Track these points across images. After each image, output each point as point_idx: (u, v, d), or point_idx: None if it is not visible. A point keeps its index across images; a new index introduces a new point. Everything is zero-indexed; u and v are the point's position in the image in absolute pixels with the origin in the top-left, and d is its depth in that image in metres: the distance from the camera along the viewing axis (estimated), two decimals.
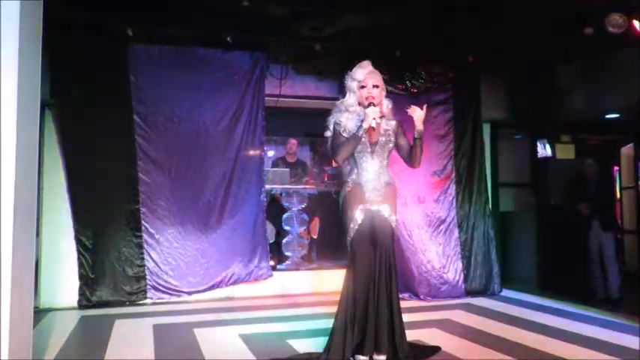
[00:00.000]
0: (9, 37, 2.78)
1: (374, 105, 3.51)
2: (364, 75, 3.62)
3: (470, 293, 6.14)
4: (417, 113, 3.54)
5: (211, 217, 5.86)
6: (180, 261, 5.73)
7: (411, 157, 3.67)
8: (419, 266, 6.00)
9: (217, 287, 5.85)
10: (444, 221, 6.27)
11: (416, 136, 3.57)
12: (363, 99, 3.60)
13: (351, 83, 3.67)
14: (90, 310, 5.30)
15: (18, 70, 2.80)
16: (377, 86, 3.61)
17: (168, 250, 5.70)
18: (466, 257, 6.25)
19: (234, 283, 5.91)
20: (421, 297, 5.94)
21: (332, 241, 7.54)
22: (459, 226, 6.31)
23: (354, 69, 3.68)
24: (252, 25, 5.63)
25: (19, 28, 2.81)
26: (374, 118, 3.45)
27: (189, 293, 5.72)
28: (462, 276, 6.17)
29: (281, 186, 6.68)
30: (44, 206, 5.48)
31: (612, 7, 4.96)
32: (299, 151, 8.41)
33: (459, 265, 6.19)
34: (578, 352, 3.91)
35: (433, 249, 6.14)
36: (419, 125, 3.54)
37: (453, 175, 6.40)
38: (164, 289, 5.65)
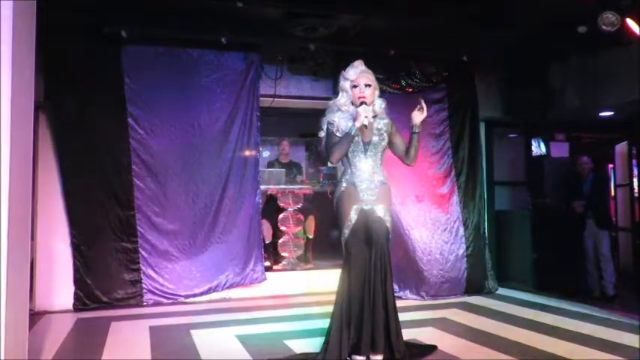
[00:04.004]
0: (3, 39, 2.77)
1: (366, 104, 3.53)
2: (356, 74, 3.64)
3: (468, 291, 6.13)
4: (419, 116, 3.63)
5: (207, 221, 5.82)
6: (176, 265, 5.70)
7: (407, 154, 3.71)
8: (419, 265, 5.97)
9: (214, 291, 5.82)
10: (445, 219, 6.23)
11: (415, 130, 3.62)
12: (355, 98, 3.62)
13: (344, 83, 3.70)
14: (86, 313, 5.28)
15: (12, 73, 2.79)
16: (369, 85, 3.63)
17: (164, 254, 5.66)
18: (466, 255, 6.23)
19: (230, 287, 5.88)
20: (422, 295, 5.93)
21: (328, 241, 7.54)
22: (464, 224, 6.29)
23: (347, 69, 3.71)
24: (247, 26, 5.62)
25: (12, 29, 2.80)
26: (366, 117, 3.46)
27: (186, 297, 5.70)
28: (465, 274, 6.15)
29: (276, 186, 6.67)
30: (39, 209, 5.45)
31: (605, 6, 4.98)
32: (294, 151, 8.41)
33: (462, 264, 6.17)
34: (574, 349, 3.92)
35: (434, 247, 6.09)
36: (417, 120, 3.61)
37: (453, 174, 6.39)
38: (160, 293, 5.62)
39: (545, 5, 5.21)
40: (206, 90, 5.87)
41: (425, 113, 3.63)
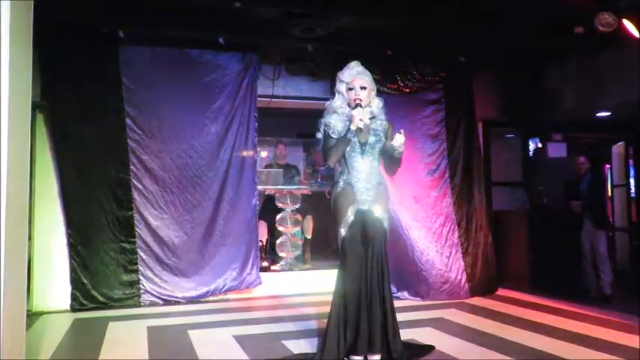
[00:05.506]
0: (0, 39, 2.76)
1: (360, 106, 3.53)
2: (352, 77, 3.64)
3: (474, 293, 6.05)
4: (399, 140, 3.52)
5: (205, 222, 5.79)
6: (174, 267, 5.68)
7: (387, 166, 3.75)
8: (417, 265, 5.94)
9: (211, 295, 5.79)
10: (441, 220, 6.20)
11: (396, 156, 3.59)
12: (350, 100, 3.63)
13: (339, 85, 3.71)
14: (83, 313, 5.26)
15: (9, 72, 2.78)
16: (364, 88, 3.62)
17: (162, 256, 5.65)
18: (468, 256, 6.18)
19: (228, 291, 5.85)
20: (422, 296, 5.90)
21: (327, 241, 7.55)
22: (459, 225, 6.25)
23: (343, 70, 3.71)
24: (245, 27, 5.62)
25: (9, 29, 2.79)
26: (360, 119, 3.47)
27: (184, 299, 5.67)
28: (465, 275, 6.08)
29: (274, 187, 6.66)
30: (36, 209, 5.43)
31: (602, 7, 4.99)
32: (292, 151, 8.42)
33: (461, 265, 6.12)
34: (572, 349, 3.93)
35: (432, 248, 6.05)
36: (396, 143, 3.54)
37: (447, 175, 6.36)
38: (158, 295, 5.60)
39: (544, 6, 5.21)
40: (204, 90, 5.86)
41: (402, 136, 3.52)
